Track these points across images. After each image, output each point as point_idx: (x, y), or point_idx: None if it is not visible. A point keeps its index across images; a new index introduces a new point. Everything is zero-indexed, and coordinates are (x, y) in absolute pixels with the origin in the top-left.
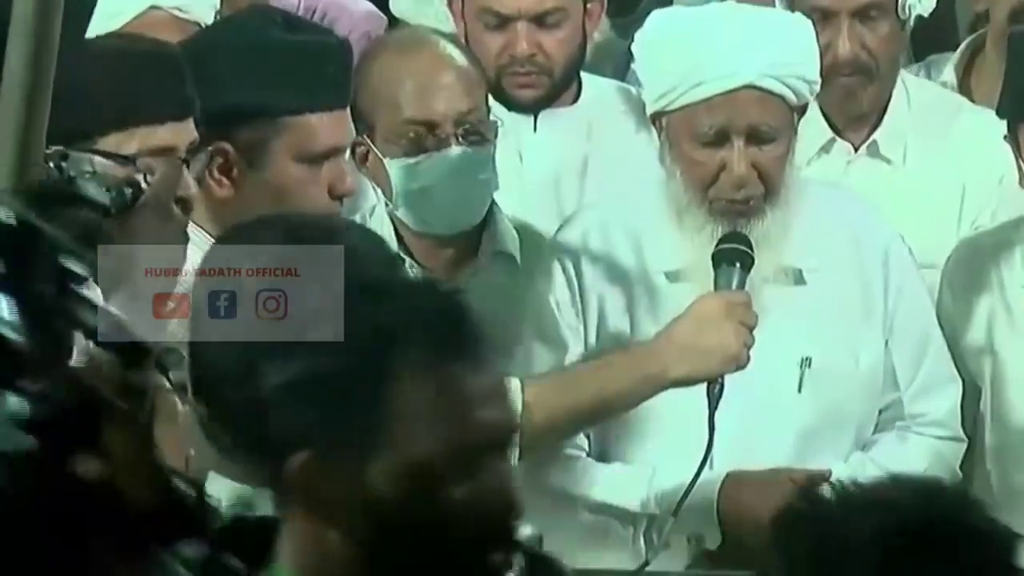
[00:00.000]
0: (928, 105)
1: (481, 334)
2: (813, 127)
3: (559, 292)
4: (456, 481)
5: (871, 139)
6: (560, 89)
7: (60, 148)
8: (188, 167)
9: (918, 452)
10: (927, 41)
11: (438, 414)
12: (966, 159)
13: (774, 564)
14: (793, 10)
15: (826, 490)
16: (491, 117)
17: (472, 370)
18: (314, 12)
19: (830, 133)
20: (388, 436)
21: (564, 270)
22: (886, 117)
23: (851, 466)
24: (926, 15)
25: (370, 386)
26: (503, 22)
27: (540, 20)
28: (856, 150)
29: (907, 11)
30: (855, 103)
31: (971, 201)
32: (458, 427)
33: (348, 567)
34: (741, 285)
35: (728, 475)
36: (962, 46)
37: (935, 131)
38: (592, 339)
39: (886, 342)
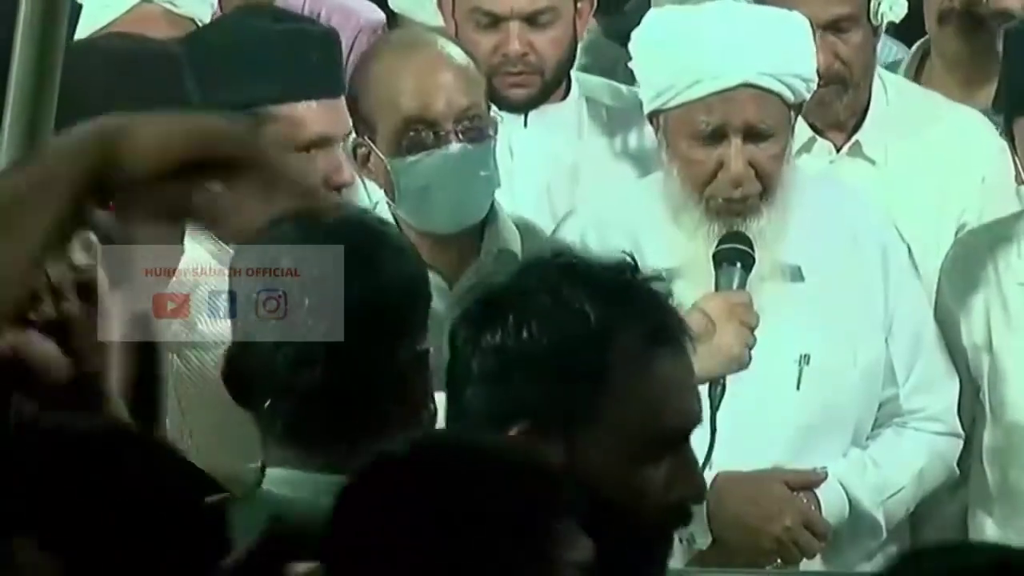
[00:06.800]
0: (909, 105)
1: (684, 325)
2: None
3: None
4: (652, 462)
5: (854, 139)
6: (552, 88)
7: None
8: None
9: (915, 448)
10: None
11: (647, 395)
12: (948, 158)
13: None
14: None
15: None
16: (491, 114)
17: (676, 358)
18: (319, 15)
19: (810, 132)
20: (599, 412)
21: None
22: (868, 119)
23: (849, 463)
24: (898, 21)
25: (590, 364)
26: (495, 22)
27: (532, 20)
28: (838, 150)
29: (879, 18)
30: (831, 112)
31: (955, 201)
32: (662, 411)
33: None
34: (742, 285)
35: (717, 476)
36: (912, 49)
37: (917, 131)
38: None
39: (886, 338)
